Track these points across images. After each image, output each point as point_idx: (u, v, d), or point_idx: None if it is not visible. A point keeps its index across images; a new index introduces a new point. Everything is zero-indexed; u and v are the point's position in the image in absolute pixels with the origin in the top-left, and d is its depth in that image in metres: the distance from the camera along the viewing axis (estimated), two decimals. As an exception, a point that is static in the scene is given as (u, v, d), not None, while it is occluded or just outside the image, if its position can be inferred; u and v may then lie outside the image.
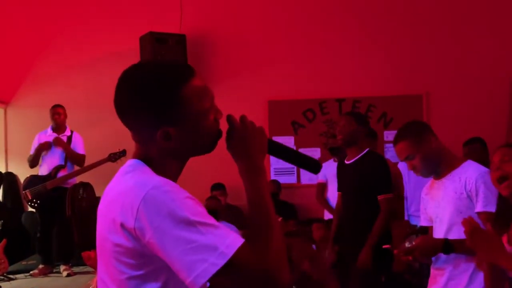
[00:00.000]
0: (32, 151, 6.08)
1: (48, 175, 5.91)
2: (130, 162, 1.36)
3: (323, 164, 6.17)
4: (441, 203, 2.62)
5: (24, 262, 6.12)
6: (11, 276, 5.58)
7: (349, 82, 6.75)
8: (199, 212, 1.22)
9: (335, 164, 5.34)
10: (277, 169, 6.71)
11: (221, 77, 6.81)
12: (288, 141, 6.72)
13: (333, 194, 5.54)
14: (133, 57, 6.36)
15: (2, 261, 5.47)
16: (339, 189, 4.26)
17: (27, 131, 6.72)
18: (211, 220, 1.22)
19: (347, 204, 4.07)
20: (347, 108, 6.66)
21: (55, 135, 6.03)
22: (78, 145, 6.02)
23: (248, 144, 1.37)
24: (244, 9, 6.90)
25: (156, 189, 1.22)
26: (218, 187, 6.35)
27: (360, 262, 3.75)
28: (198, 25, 6.85)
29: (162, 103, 1.31)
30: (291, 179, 6.76)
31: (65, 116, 6.09)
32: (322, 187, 6.09)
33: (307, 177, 6.65)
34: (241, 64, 6.87)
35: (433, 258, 2.64)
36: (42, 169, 6.00)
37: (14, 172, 7.13)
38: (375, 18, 6.76)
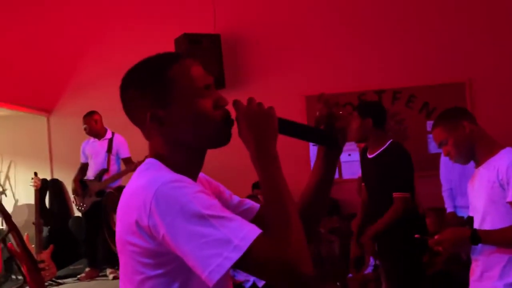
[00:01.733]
0: (81, 160, 6.26)
1: (94, 179, 6.01)
2: (145, 161, 1.35)
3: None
4: (477, 193, 2.55)
5: (71, 267, 6.23)
6: (59, 281, 5.69)
7: (389, 72, 6.61)
8: (212, 205, 1.18)
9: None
10: (318, 164, 6.62)
11: (257, 75, 6.79)
12: (328, 136, 6.62)
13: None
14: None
15: (50, 266, 5.59)
16: (363, 181, 4.11)
17: (70, 138, 6.85)
18: (225, 212, 1.19)
19: (371, 198, 3.95)
20: (387, 99, 6.52)
21: (96, 141, 6.11)
22: (121, 148, 6.05)
23: (256, 129, 1.29)
24: (277, 5, 6.85)
25: (167, 184, 1.19)
26: (259, 185, 6.31)
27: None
28: (231, 23, 6.83)
29: (149, 85, 1.31)
30: (332, 174, 6.66)
31: (101, 121, 6.12)
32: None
33: (349, 171, 6.54)
34: (276, 61, 6.82)
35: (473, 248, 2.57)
36: (89, 174, 6.12)
37: (59, 178, 7.26)
38: (412, 5, 6.61)
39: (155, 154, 1.35)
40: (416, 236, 2.71)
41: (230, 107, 1.37)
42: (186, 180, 1.23)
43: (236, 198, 1.53)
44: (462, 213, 4.88)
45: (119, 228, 1.29)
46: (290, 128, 1.36)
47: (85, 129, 6.07)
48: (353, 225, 5.39)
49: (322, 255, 5.43)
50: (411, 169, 3.78)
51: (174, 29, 6.55)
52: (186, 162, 1.34)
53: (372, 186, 3.91)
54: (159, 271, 1.24)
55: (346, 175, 6.61)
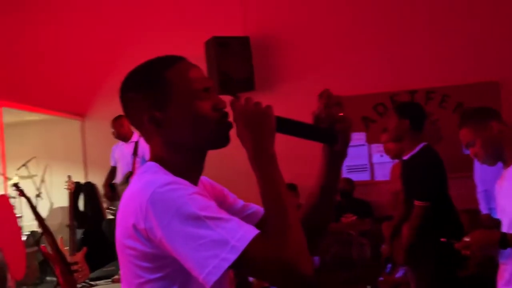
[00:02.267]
0: (111, 163, 6.40)
1: (121, 182, 6.09)
2: (144, 165, 1.36)
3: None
4: (506, 194, 2.46)
5: (104, 269, 6.30)
6: (92, 282, 5.76)
7: (421, 72, 6.52)
8: (208, 207, 1.17)
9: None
10: (349, 166, 6.56)
11: (287, 77, 6.77)
12: (359, 137, 6.56)
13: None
14: (199, 63, 6.37)
15: (83, 268, 5.66)
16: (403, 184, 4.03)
17: (103, 142, 6.93)
18: (221, 214, 1.18)
19: (406, 200, 3.85)
20: (420, 100, 6.41)
21: (124, 144, 6.23)
22: (147, 150, 6.12)
23: (253, 128, 1.28)
24: (306, 7, 6.81)
25: (163, 187, 1.19)
26: (289, 188, 6.27)
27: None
28: (261, 26, 6.82)
29: (147, 87, 1.31)
30: (364, 176, 6.59)
31: (128, 124, 6.18)
32: (396, 183, 5.89)
33: (381, 173, 6.47)
34: (306, 63, 6.78)
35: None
36: (118, 177, 6.22)
37: (93, 181, 7.36)
38: (444, 3, 6.49)
39: (154, 156, 1.36)
40: (442, 239, 2.64)
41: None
42: (182, 182, 1.22)
43: (240, 202, 1.52)
44: (497, 215, 4.76)
45: (118, 232, 1.29)
46: (288, 126, 1.35)
47: (113, 133, 6.23)
48: (383, 228, 5.31)
49: (353, 257, 5.36)
50: (438, 177, 3.68)
51: (203, 32, 6.57)
52: (185, 164, 1.33)
53: (406, 188, 3.86)
54: (158, 275, 1.23)
55: (378, 176, 6.53)
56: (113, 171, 6.39)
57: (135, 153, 6.11)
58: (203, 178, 1.46)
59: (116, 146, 6.40)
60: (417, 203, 3.60)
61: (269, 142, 1.28)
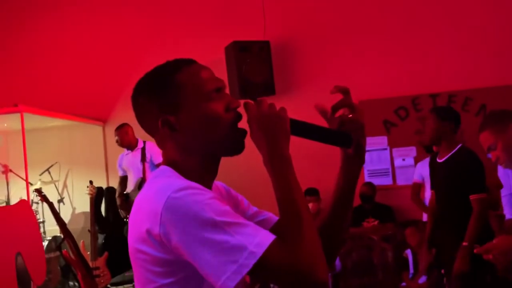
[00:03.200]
0: (119, 173, 6.48)
1: (133, 190, 6.12)
2: (158, 169, 1.34)
3: (419, 164, 5.91)
4: None
5: (126, 274, 6.31)
6: (113, 287, 5.78)
7: (443, 75, 6.45)
8: (225, 212, 1.16)
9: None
10: (371, 170, 6.51)
11: (307, 81, 6.74)
12: (380, 141, 6.50)
13: (430, 195, 5.30)
14: (220, 68, 6.48)
15: (105, 273, 5.69)
16: (432, 187, 4.08)
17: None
18: (239, 219, 1.16)
19: (440, 204, 3.87)
20: (442, 103, 6.34)
21: (130, 152, 6.27)
22: (154, 154, 6.15)
23: (267, 131, 1.26)
24: (326, 11, 6.78)
25: (178, 192, 1.17)
26: (311, 192, 6.24)
27: (456, 269, 3.51)
28: (281, 30, 6.81)
29: (159, 92, 1.30)
30: (386, 181, 6.52)
31: (132, 132, 6.22)
32: (418, 188, 5.81)
33: (403, 177, 6.40)
34: (327, 67, 6.74)
35: None
36: (129, 186, 6.25)
37: (115, 186, 7.40)
38: (466, 5, 6.42)
39: (168, 161, 1.34)
40: (464, 243, 2.59)
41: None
42: (197, 187, 1.21)
43: (253, 209, 1.50)
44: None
45: (130, 237, 1.27)
46: (302, 129, 1.33)
47: (116, 141, 6.28)
48: (407, 234, 5.26)
49: (374, 262, 5.31)
50: (482, 170, 3.70)
51: (224, 37, 6.58)
52: (199, 169, 1.32)
53: (442, 189, 3.85)
54: (170, 280, 1.22)
55: (400, 181, 6.46)
56: (123, 181, 6.44)
57: (143, 159, 6.15)
58: (218, 183, 1.44)
59: (121, 156, 6.44)
60: (475, 196, 3.60)
61: (284, 145, 1.26)
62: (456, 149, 3.76)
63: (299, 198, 1.21)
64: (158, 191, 1.20)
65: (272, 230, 1.19)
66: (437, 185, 3.94)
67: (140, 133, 6.24)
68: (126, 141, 6.25)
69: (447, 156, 3.77)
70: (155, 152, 6.15)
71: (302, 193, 1.24)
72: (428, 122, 3.80)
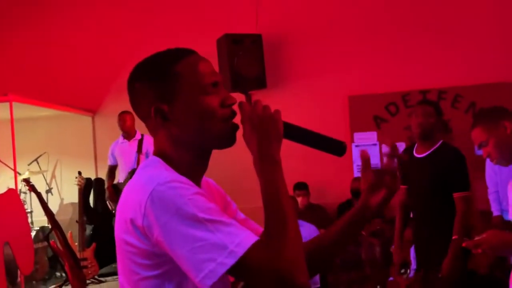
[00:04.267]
0: (109, 162, 6.40)
1: (124, 181, 6.09)
2: (148, 159, 1.34)
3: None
4: None
5: (114, 265, 6.30)
6: (101, 278, 5.77)
7: (433, 71, 6.46)
8: (209, 209, 1.15)
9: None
10: (361, 166, 6.51)
11: (299, 75, 6.75)
12: (370, 136, 6.52)
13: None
14: (211, 61, 6.37)
15: (93, 264, 5.68)
16: (404, 183, 3.89)
17: (114, 138, 6.92)
18: (222, 217, 1.15)
19: (420, 203, 3.76)
20: (432, 99, 6.36)
21: (126, 142, 6.23)
22: (151, 148, 6.14)
23: (259, 132, 1.25)
24: (319, 5, 6.78)
25: (164, 185, 1.16)
26: (300, 186, 6.26)
27: (445, 272, 3.46)
28: (274, 24, 6.79)
29: (156, 79, 1.29)
30: (375, 176, 6.53)
31: (132, 121, 6.22)
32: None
33: (392, 173, 6.42)
34: (318, 61, 6.74)
35: None
36: (120, 176, 6.21)
37: (103, 178, 7.37)
38: (457, 3, 6.44)
39: (158, 151, 1.33)
40: (454, 237, 2.60)
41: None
42: (183, 181, 1.20)
43: (241, 215, 1.50)
44: (509, 217, 4.71)
45: (117, 227, 1.27)
46: (296, 133, 1.32)
47: (121, 125, 6.30)
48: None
49: (362, 258, 5.34)
50: (466, 168, 3.65)
51: (216, 29, 6.56)
52: (189, 161, 1.31)
53: (422, 186, 3.72)
54: (154, 272, 1.21)
55: (389, 176, 6.47)
56: (112, 170, 6.41)
57: (139, 150, 6.13)
58: (210, 181, 1.44)
59: (115, 144, 6.41)
60: (459, 195, 3.55)
61: (275, 147, 1.25)
62: (438, 145, 3.68)
63: (285, 202, 1.20)
64: (145, 182, 1.20)
65: (261, 236, 1.19)
66: (416, 181, 3.79)
67: (138, 125, 6.25)
68: (125, 127, 6.25)
69: (429, 152, 3.68)
70: (152, 147, 6.14)
71: (289, 197, 1.23)
72: (422, 116, 3.69)
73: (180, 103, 1.28)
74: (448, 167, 3.58)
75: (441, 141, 3.71)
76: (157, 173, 1.22)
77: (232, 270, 1.11)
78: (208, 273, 1.11)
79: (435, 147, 3.68)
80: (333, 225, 1.42)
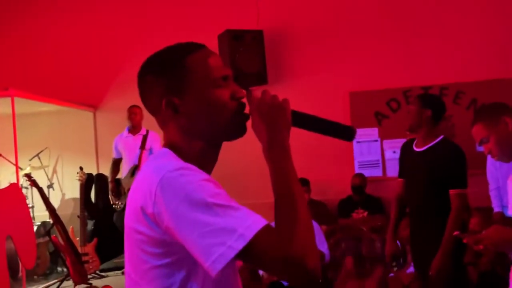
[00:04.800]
0: (113, 155, 6.39)
1: (126, 176, 6.11)
2: (158, 151, 1.34)
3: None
4: None
5: (115, 260, 6.32)
6: (102, 273, 5.78)
7: (435, 68, 6.46)
8: (217, 194, 1.16)
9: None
10: (362, 162, 6.53)
11: (300, 71, 6.75)
12: (371, 132, 6.52)
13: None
14: (212, 56, 6.41)
15: (94, 259, 5.70)
16: (401, 176, 3.90)
17: (115, 134, 6.93)
18: (231, 202, 1.16)
19: (415, 197, 3.73)
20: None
21: (131, 136, 6.22)
22: (155, 143, 6.15)
23: (268, 120, 1.27)
24: (321, 1, 6.78)
25: (172, 172, 1.17)
26: (302, 182, 6.26)
27: (434, 270, 3.43)
28: (275, 20, 6.79)
29: (167, 72, 1.30)
30: (376, 172, 6.55)
31: (141, 116, 6.24)
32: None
33: (393, 169, 6.41)
34: (319, 57, 6.74)
35: None
36: (124, 170, 6.22)
37: (105, 173, 7.38)
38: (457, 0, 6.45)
39: (168, 143, 1.34)
40: (455, 233, 2.59)
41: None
42: (192, 168, 1.21)
43: None
44: (509, 213, 4.71)
45: (127, 216, 1.27)
46: (304, 120, 1.33)
47: (132, 119, 6.30)
48: (404, 233, 5.28)
49: (363, 253, 5.34)
50: (465, 165, 3.59)
51: (217, 25, 6.56)
52: (199, 153, 1.32)
53: (419, 180, 3.68)
54: (164, 261, 1.22)
55: (390, 172, 6.48)
56: (116, 164, 6.41)
57: (142, 146, 6.12)
58: None
59: (119, 137, 6.39)
60: (456, 191, 3.50)
61: (284, 135, 1.27)
62: (438, 140, 3.63)
63: (295, 188, 1.21)
64: (154, 171, 1.21)
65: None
66: (413, 175, 3.76)
67: (145, 122, 6.27)
68: (135, 121, 6.27)
69: (428, 146, 3.65)
70: (156, 142, 6.17)
71: (299, 184, 1.24)
72: (409, 110, 3.71)
73: (191, 95, 1.30)
74: (446, 163, 3.54)
75: (441, 137, 3.67)
76: (166, 162, 1.24)
77: (241, 254, 1.11)
78: (218, 257, 1.11)
79: (434, 142, 3.64)
80: None
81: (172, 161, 1.25)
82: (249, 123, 1.34)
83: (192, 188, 1.15)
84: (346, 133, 1.35)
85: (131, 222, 1.25)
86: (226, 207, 1.14)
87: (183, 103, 1.30)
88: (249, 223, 1.13)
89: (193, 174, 1.18)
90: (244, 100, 1.34)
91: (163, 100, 1.30)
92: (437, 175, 3.55)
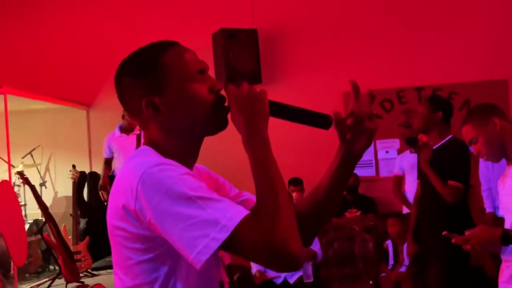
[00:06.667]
0: (104, 154, 6.31)
1: None
2: (138, 148, 1.36)
3: (399, 156, 5.97)
4: (509, 191, 2.44)
5: (107, 259, 6.30)
6: (94, 272, 5.77)
7: (428, 69, 6.48)
8: (198, 187, 1.17)
9: (412, 155, 5.12)
10: (355, 162, 6.53)
11: (294, 70, 6.75)
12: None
13: (410, 187, 5.32)
14: (207, 55, 6.42)
15: (86, 257, 5.69)
16: (418, 177, 4.04)
17: (108, 132, 6.92)
18: (212, 194, 1.17)
19: (424, 194, 3.85)
20: (427, 96, 6.38)
21: (124, 136, 6.19)
22: None
23: (246, 111, 1.27)
24: (316, 1, 6.79)
25: (153, 167, 1.18)
26: (295, 182, 6.27)
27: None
28: (269, 19, 6.79)
29: (144, 73, 1.30)
30: (369, 172, 6.56)
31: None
32: (399, 180, 5.85)
33: (386, 169, 6.44)
34: (314, 57, 6.75)
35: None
36: (118, 169, 6.18)
37: (98, 171, 7.36)
38: (450, 0, 6.46)
39: (149, 141, 1.35)
40: (444, 233, 2.61)
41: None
42: (172, 163, 1.22)
43: (235, 190, 1.52)
44: (500, 213, 4.73)
45: (108, 214, 1.28)
46: (281, 110, 1.34)
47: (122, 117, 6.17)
48: (389, 224, 5.30)
49: (355, 253, 5.36)
50: (468, 163, 3.71)
51: (211, 24, 6.56)
52: (180, 150, 1.33)
53: (427, 182, 3.80)
54: (148, 256, 1.23)
55: (383, 173, 6.51)
56: (108, 163, 6.36)
57: (138, 145, 6.10)
58: (199, 166, 1.46)
59: (111, 137, 6.31)
60: (452, 183, 3.60)
61: (262, 125, 1.27)
62: (447, 139, 3.74)
63: (275, 176, 1.22)
64: (135, 168, 1.22)
65: (253, 210, 1.21)
66: (424, 175, 3.87)
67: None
68: (131, 123, 6.19)
69: (437, 146, 3.75)
70: None
71: (279, 171, 1.24)
72: (418, 112, 3.78)
73: (170, 92, 1.30)
74: (450, 159, 3.65)
75: (450, 136, 3.77)
76: (146, 159, 1.25)
77: (225, 245, 1.12)
78: (202, 249, 1.12)
79: (442, 142, 3.74)
80: (321, 179, 1.42)
81: (152, 157, 1.26)
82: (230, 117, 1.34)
83: (173, 182, 1.16)
84: (323, 121, 1.37)
85: (112, 219, 1.26)
86: (208, 200, 1.15)
87: (162, 101, 1.30)
88: (231, 214, 1.14)
89: (173, 169, 1.19)
90: (223, 92, 1.34)
91: (142, 101, 1.30)
92: (444, 172, 3.65)
